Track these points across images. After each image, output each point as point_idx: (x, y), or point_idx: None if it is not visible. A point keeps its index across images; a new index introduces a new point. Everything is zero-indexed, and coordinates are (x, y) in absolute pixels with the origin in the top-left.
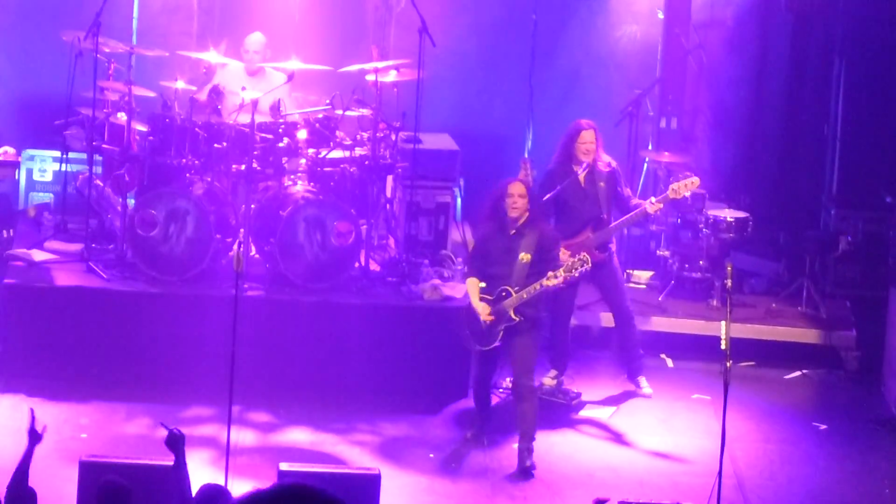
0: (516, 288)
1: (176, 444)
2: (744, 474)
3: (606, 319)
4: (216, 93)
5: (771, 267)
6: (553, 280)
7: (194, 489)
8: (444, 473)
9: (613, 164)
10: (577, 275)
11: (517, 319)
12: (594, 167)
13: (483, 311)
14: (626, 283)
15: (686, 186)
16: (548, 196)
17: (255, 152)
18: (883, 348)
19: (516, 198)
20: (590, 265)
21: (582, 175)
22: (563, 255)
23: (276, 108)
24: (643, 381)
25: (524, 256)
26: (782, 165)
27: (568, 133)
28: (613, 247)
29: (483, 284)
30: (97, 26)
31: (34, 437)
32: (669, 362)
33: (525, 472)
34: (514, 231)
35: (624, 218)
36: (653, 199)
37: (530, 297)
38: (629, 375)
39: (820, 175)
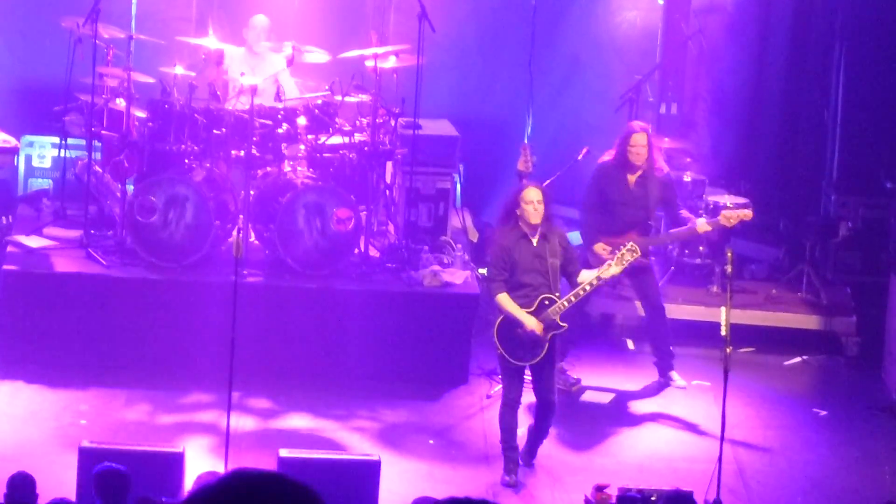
0: (557, 294)
1: None
2: (744, 460)
3: (603, 306)
4: (213, 91)
5: (771, 253)
6: (608, 271)
7: (192, 477)
8: (444, 460)
9: (666, 169)
10: (627, 265)
11: (565, 326)
12: (648, 172)
13: (536, 325)
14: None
15: (738, 216)
16: (549, 180)
17: (255, 138)
18: (883, 334)
19: (536, 204)
20: (639, 253)
21: (633, 178)
22: (604, 250)
23: (277, 94)
24: (675, 374)
25: (553, 261)
26: (782, 151)
27: (622, 134)
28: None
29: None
30: (96, 12)
31: None
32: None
33: (527, 464)
34: (537, 237)
35: (672, 232)
36: (704, 220)
37: (579, 298)
38: (660, 372)
39: (820, 161)
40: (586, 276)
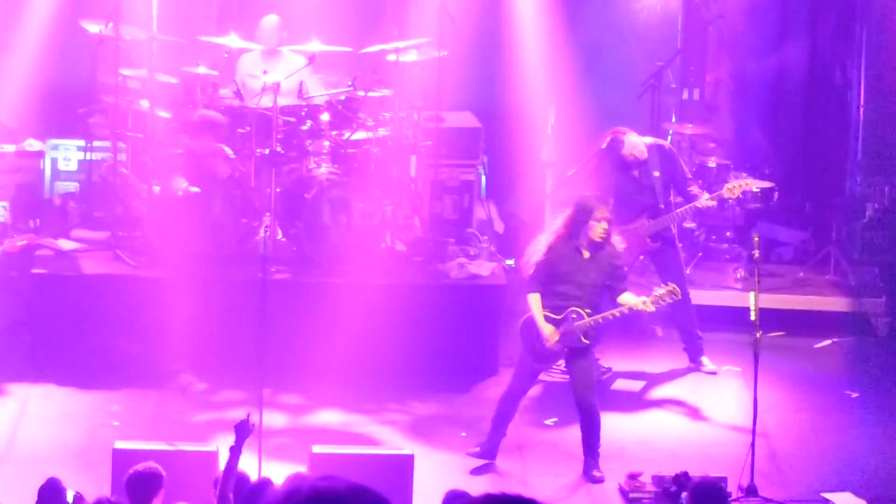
0: (588, 310)
1: (241, 431)
2: (776, 444)
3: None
4: (237, 90)
5: (798, 236)
6: (643, 307)
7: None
8: None
9: (666, 145)
10: (663, 304)
11: (587, 343)
12: (646, 162)
13: (551, 334)
14: (684, 267)
15: (741, 186)
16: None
17: (279, 136)
18: None
19: (606, 223)
20: (679, 296)
21: (636, 171)
22: (616, 240)
23: (300, 91)
24: (705, 359)
25: (596, 277)
26: (806, 133)
27: (609, 145)
28: (674, 229)
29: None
30: (118, 14)
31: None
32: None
33: (595, 481)
34: (587, 252)
35: (675, 213)
36: (707, 196)
37: (607, 321)
38: (691, 357)
39: (844, 142)
40: (626, 300)
